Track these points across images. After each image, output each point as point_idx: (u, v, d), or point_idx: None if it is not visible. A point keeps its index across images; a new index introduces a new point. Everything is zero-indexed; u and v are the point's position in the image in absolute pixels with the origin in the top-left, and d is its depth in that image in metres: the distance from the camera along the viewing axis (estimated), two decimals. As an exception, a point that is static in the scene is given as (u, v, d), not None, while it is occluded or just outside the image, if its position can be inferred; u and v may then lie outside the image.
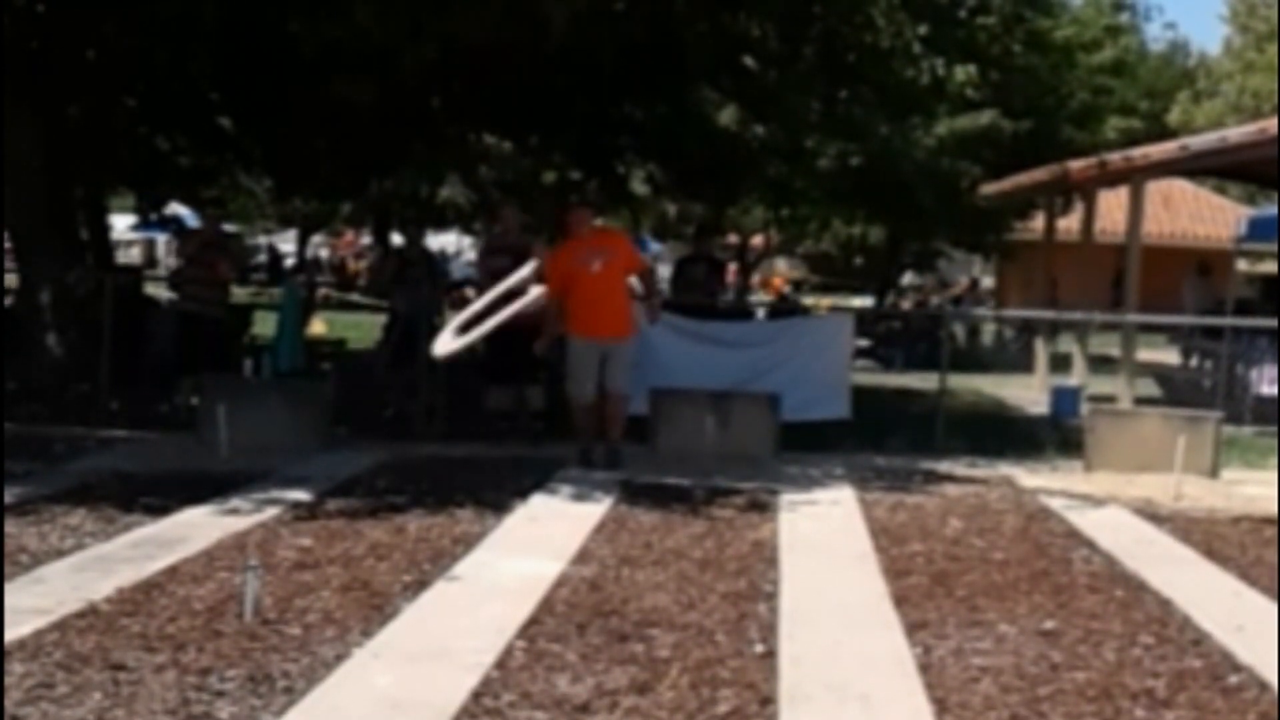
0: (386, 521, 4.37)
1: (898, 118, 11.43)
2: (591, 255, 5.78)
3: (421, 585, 3.60)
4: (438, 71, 6.41)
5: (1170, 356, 10.59)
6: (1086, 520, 4.87)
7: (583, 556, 3.99)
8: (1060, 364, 10.52)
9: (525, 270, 5.92)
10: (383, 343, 8.78)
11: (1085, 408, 7.49)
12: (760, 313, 10.36)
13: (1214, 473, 5.83)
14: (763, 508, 4.90)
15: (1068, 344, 10.65)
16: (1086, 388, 8.95)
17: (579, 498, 4.99)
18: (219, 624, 3.16)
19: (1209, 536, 4.69)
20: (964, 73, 7.80)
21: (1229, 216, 16.98)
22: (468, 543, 4.13)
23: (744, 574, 3.86)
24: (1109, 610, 3.60)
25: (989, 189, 12.86)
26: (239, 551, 3.83)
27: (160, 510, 4.39)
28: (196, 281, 7.00)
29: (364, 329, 10.59)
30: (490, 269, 6.26)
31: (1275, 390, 7.85)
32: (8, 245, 7.90)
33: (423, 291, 7.15)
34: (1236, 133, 9.69)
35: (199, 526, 4.21)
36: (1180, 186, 18.62)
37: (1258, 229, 11.14)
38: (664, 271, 11.70)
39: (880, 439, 6.49)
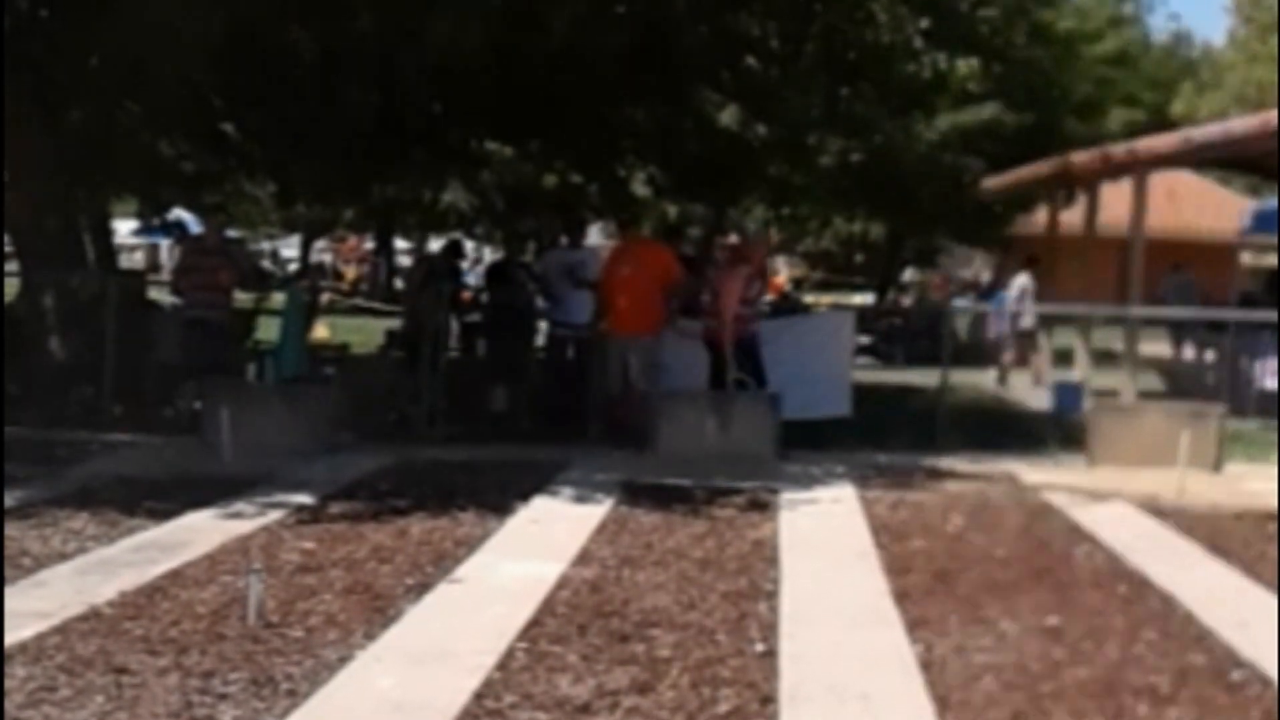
0: (389, 524, 4.38)
1: (899, 113, 11.40)
2: (625, 261, 6.57)
3: (424, 587, 3.61)
4: (438, 77, 6.42)
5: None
6: (1089, 516, 4.86)
7: (584, 558, 3.99)
8: (1062, 359, 10.50)
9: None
10: (385, 347, 8.79)
11: (1088, 403, 7.46)
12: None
13: (1217, 467, 5.82)
14: (763, 507, 4.90)
15: (1070, 338, 10.64)
16: (1089, 382, 8.93)
17: (580, 499, 5.00)
18: (222, 627, 3.17)
19: (1212, 531, 4.67)
20: (965, 66, 7.77)
21: (1233, 209, 16.90)
22: (470, 545, 4.15)
23: (744, 573, 3.86)
24: (1112, 606, 3.59)
25: (991, 183, 12.81)
26: (242, 555, 3.84)
27: (163, 514, 4.41)
28: (200, 287, 7.02)
29: (367, 333, 10.60)
30: (746, 297, 6.42)
31: (1278, 384, 7.82)
32: (10, 249, 7.92)
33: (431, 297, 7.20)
34: (1240, 124, 9.64)
35: (202, 530, 4.23)
36: (1184, 179, 18.51)
37: (1261, 221, 11.11)
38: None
39: (881, 436, 6.48)
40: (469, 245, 26.32)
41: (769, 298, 13.96)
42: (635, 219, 8.05)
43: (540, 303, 8.08)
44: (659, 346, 6.42)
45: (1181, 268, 11.54)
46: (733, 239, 20.89)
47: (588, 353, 6.70)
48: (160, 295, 8.71)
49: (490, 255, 23.68)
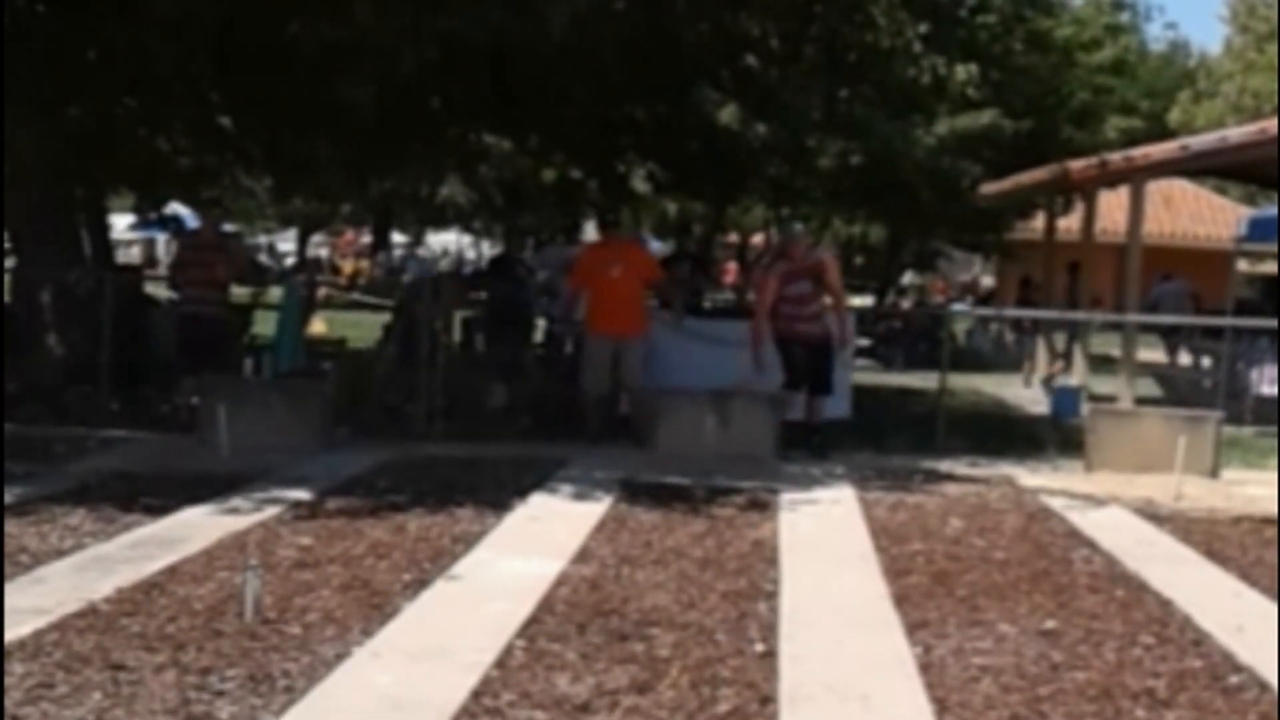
0: (387, 521, 4.37)
1: (898, 117, 11.43)
2: (612, 261, 6.43)
3: (421, 584, 3.60)
4: (437, 71, 6.41)
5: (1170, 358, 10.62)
6: (1087, 520, 4.88)
7: (583, 556, 3.99)
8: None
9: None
10: (383, 342, 8.79)
11: (1086, 407, 7.49)
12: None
13: (1214, 473, 5.84)
14: (763, 507, 4.90)
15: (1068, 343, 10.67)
16: (1087, 387, 8.95)
17: (579, 497, 4.99)
18: (219, 623, 3.16)
19: (1209, 537, 4.69)
20: (964, 72, 7.80)
21: (1229, 217, 16.99)
22: (468, 542, 4.14)
23: (744, 573, 3.86)
24: (1109, 610, 3.60)
25: (989, 188, 12.86)
26: (239, 551, 3.83)
27: (160, 510, 4.39)
28: (196, 282, 7.00)
29: (364, 328, 10.58)
30: (790, 297, 6.19)
31: (1275, 390, 7.86)
32: (8, 245, 7.89)
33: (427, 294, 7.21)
34: (1237, 133, 9.69)
35: (199, 526, 4.21)
36: (1181, 186, 18.61)
37: (1258, 229, 11.16)
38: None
39: (881, 438, 6.49)
40: (466, 240, 26.28)
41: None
42: (618, 219, 8.03)
43: (547, 302, 8.08)
44: (648, 344, 6.46)
45: (1172, 276, 11.60)
46: (733, 238, 20.61)
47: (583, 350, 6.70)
48: (157, 290, 8.68)
49: (488, 250, 23.61)
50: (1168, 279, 11.50)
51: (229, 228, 10.39)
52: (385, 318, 9.36)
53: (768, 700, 2.76)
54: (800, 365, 6.14)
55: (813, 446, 6.08)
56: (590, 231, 15.83)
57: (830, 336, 6.31)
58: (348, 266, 24.16)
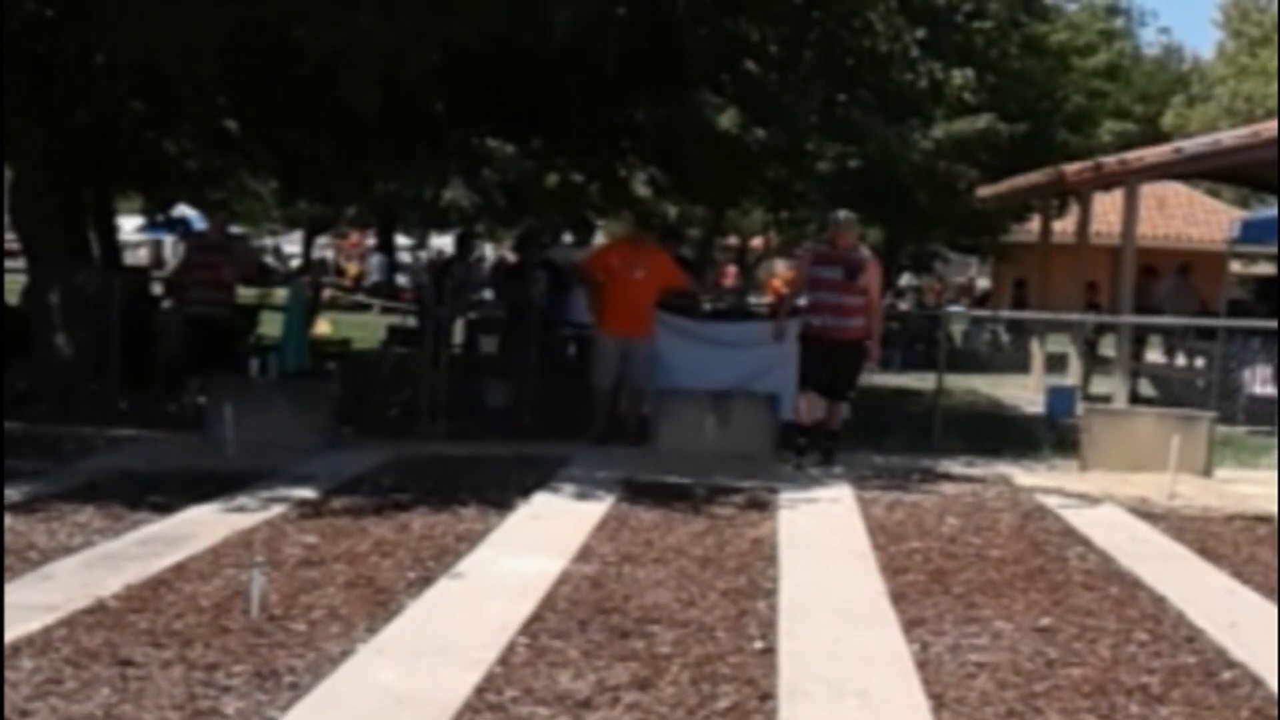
0: (391, 519, 4.41)
1: (896, 121, 11.49)
2: (636, 263, 6.46)
3: (425, 582, 3.64)
4: (441, 76, 6.46)
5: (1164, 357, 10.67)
6: (1082, 519, 4.92)
7: (585, 554, 4.02)
8: (1056, 364, 10.59)
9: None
10: (387, 342, 8.82)
11: (1080, 407, 7.55)
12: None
13: (1208, 472, 5.88)
14: (762, 506, 4.94)
15: (1063, 344, 10.73)
16: (1082, 388, 9.00)
17: (581, 496, 5.03)
18: (226, 620, 3.19)
19: (1203, 535, 4.74)
20: (961, 76, 7.86)
21: (1222, 219, 17.06)
22: (471, 540, 4.17)
23: (744, 571, 3.89)
24: (1104, 607, 3.64)
25: (985, 191, 12.92)
26: (245, 549, 3.87)
27: (167, 508, 4.43)
28: (203, 283, 7.05)
29: (369, 329, 10.63)
30: (823, 280, 6.02)
31: (1269, 390, 7.92)
32: (16, 247, 7.93)
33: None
34: (1230, 136, 9.75)
35: (206, 524, 4.25)
36: (1174, 189, 18.68)
37: (1250, 231, 11.23)
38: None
39: (878, 438, 6.53)
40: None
41: (766, 299, 13.92)
42: (658, 221, 8.11)
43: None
44: (654, 346, 6.51)
45: (1188, 271, 11.61)
46: (732, 239, 20.57)
47: (589, 350, 6.75)
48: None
49: (491, 253, 23.57)
50: (1184, 273, 11.50)
51: (235, 230, 10.43)
52: (390, 319, 9.39)
53: (767, 696, 2.80)
54: (814, 368, 5.99)
55: (799, 448, 5.95)
56: (599, 235, 15.84)
57: (862, 340, 6.07)
58: (353, 268, 24.22)
